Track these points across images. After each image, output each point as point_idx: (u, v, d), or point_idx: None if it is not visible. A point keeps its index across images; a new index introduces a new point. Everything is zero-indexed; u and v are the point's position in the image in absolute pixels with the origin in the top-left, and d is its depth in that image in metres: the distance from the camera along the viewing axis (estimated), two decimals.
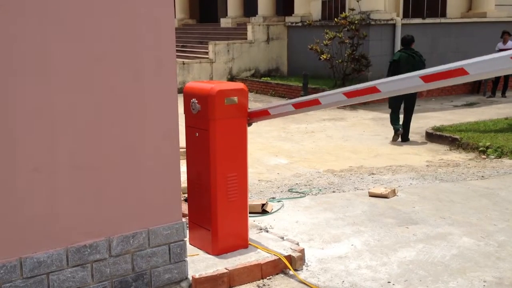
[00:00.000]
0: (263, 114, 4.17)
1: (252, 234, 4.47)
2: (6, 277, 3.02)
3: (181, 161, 3.66)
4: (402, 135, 9.35)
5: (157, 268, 3.56)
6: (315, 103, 3.83)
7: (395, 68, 9.09)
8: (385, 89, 3.41)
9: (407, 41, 9.40)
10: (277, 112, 4.08)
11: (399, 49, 9.92)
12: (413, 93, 8.98)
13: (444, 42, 16.08)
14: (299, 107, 3.97)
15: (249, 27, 18.02)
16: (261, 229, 4.68)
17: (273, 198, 6.01)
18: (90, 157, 3.22)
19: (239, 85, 4.18)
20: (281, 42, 18.16)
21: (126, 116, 3.32)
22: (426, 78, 3.17)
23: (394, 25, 15.15)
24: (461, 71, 3.02)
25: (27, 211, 3.05)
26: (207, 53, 17.78)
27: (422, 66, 8.92)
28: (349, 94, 3.60)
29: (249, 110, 4.16)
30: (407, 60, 9.18)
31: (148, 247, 3.51)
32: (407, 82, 3.31)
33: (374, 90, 3.44)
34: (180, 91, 4.21)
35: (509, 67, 2.92)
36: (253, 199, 5.80)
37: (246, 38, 18.10)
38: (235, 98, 4.03)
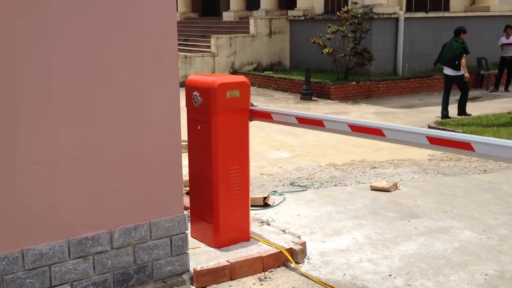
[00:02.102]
0: (265, 116, 4.15)
1: (254, 227, 4.48)
2: (8, 269, 3.03)
3: (183, 154, 3.66)
4: (458, 109, 11.07)
5: (158, 260, 3.57)
6: (318, 124, 3.83)
7: (442, 50, 11.15)
8: (389, 136, 3.40)
9: (456, 31, 11.19)
10: (279, 119, 4.08)
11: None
12: (462, 79, 10.78)
13: (448, 36, 15.93)
14: (302, 122, 3.97)
15: (251, 21, 17.97)
16: (262, 222, 4.68)
17: (275, 191, 6.01)
18: (92, 149, 3.22)
19: (241, 78, 4.17)
20: (283, 36, 18.11)
21: (128, 109, 3.32)
22: (432, 140, 3.17)
23: (397, 19, 15.08)
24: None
25: (28, 203, 3.06)
26: (209, 46, 17.74)
27: (459, 52, 10.66)
28: (353, 128, 3.60)
29: (252, 108, 4.15)
30: (450, 46, 10.92)
31: (149, 240, 3.52)
32: (412, 137, 3.29)
33: (379, 133, 3.43)
34: (182, 84, 4.21)
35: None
36: (255, 192, 5.81)
37: (248, 32, 18.06)
38: (237, 92, 4.02)
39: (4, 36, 2.89)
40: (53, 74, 3.05)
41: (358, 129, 3.56)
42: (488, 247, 4.43)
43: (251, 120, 4.20)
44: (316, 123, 3.85)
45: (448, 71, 10.87)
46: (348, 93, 13.91)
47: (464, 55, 10.73)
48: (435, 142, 3.16)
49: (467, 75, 10.85)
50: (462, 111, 11.05)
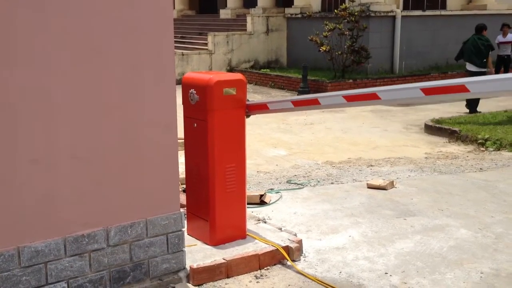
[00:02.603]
0: (262, 108, 4.17)
1: (250, 225, 4.48)
2: (4, 266, 3.03)
3: (179, 151, 3.66)
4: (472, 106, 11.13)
5: (155, 258, 3.57)
6: (314, 103, 3.84)
7: (463, 47, 11.26)
8: (384, 97, 3.41)
9: (477, 28, 11.27)
10: (276, 107, 4.09)
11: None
12: (484, 75, 10.47)
13: (445, 34, 16.04)
14: (298, 105, 3.98)
15: (248, 19, 17.96)
16: (259, 220, 4.68)
17: (272, 189, 6.02)
18: (88, 147, 3.22)
19: (237, 75, 4.17)
20: (280, 33, 18.10)
21: (125, 107, 3.31)
22: (426, 91, 3.17)
23: (394, 17, 15.10)
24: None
25: (25, 201, 3.05)
26: (206, 44, 17.73)
27: (484, 49, 10.85)
28: (349, 98, 3.60)
29: (248, 103, 4.15)
30: (472, 43, 11.04)
31: (146, 237, 3.52)
32: (407, 92, 3.30)
33: (375, 97, 3.43)
34: (179, 82, 4.20)
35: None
36: (252, 190, 5.81)
37: (245, 30, 18.04)
38: (234, 89, 4.02)
39: (2, 34, 2.88)
40: (51, 72, 3.04)
41: (354, 98, 3.57)
42: (484, 245, 4.45)
43: (248, 117, 4.20)
44: (311, 103, 3.87)
45: (472, 67, 11.09)
46: None
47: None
48: (429, 92, 3.15)
49: (492, 71, 11.13)
50: (474, 108, 11.15)
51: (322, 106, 3.81)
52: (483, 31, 11.15)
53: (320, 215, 5.17)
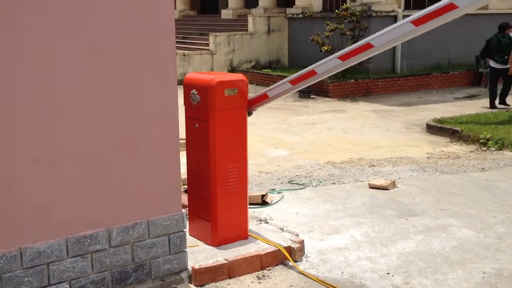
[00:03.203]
0: (262, 99, 4.12)
1: (252, 225, 4.48)
2: (6, 267, 3.03)
3: (181, 152, 3.66)
4: (500, 98, 11.58)
5: (157, 258, 3.57)
6: (311, 75, 3.77)
7: (487, 46, 11.67)
8: (378, 43, 3.37)
9: (500, 27, 11.64)
10: (275, 93, 4.03)
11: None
12: (507, 71, 11.29)
13: (446, 34, 16.01)
14: (296, 82, 3.90)
15: (250, 19, 17.94)
16: (261, 220, 4.68)
17: (273, 189, 6.01)
18: (90, 148, 3.22)
19: (239, 76, 4.17)
20: (282, 33, 18.09)
21: (126, 107, 3.32)
22: (416, 22, 3.20)
23: (395, 17, 15.07)
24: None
25: (26, 202, 3.06)
26: (207, 44, 17.72)
27: (506, 47, 11.19)
28: (344, 57, 3.55)
29: (248, 98, 4.14)
30: (496, 41, 11.39)
31: (148, 238, 3.52)
32: (398, 30, 3.31)
33: (368, 46, 3.41)
34: (180, 82, 4.20)
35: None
36: (253, 191, 5.81)
37: (247, 30, 18.03)
38: (235, 89, 4.02)
39: (2, 33, 2.88)
40: (51, 71, 3.04)
41: (348, 55, 3.53)
42: (486, 245, 4.44)
43: (250, 114, 4.19)
44: (308, 75, 3.80)
45: (495, 64, 11.46)
46: (347, 91, 13.90)
47: None
48: (419, 22, 3.18)
49: None
50: (503, 100, 11.56)
51: (319, 75, 3.74)
52: (506, 29, 11.54)
53: (322, 215, 5.17)
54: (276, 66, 18.01)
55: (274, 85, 4.08)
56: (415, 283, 3.80)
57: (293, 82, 3.92)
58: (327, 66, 3.68)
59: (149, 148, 3.44)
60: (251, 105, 4.15)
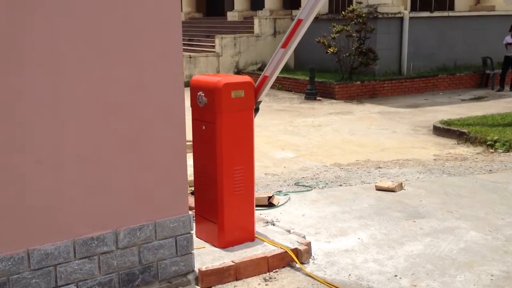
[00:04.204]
0: (263, 82, 4.14)
1: (259, 227, 4.47)
2: (14, 269, 3.04)
3: (187, 154, 3.66)
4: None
5: (163, 260, 3.57)
6: (297, 25, 3.88)
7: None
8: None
9: None
10: (271, 68, 4.09)
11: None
12: None
13: (452, 35, 15.97)
14: (286, 43, 3.98)
15: (255, 21, 17.96)
16: (267, 222, 4.68)
17: (280, 191, 6.01)
18: (96, 149, 3.23)
19: (245, 78, 4.17)
20: None
21: (132, 108, 3.32)
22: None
23: (401, 19, 15.04)
24: None
25: (34, 203, 3.06)
26: (213, 46, 17.74)
27: None
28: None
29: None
30: None
31: (155, 240, 3.52)
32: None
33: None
34: (187, 84, 4.21)
35: None
36: (260, 192, 5.80)
37: (252, 32, 18.04)
38: (242, 91, 4.02)
39: (9, 35, 2.89)
40: (57, 73, 3.05)
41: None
42: (494, 248, 4.42)
43: (257, 110, 4.18)
44: (295, 27, 3.97)
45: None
46: (353, 92, 13.88)
47: None
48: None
49: None
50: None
51: (305, 21, 3.87)
52: None
53: (328, 217, 5.16)
54: (282, 68, 17.99)
55: (268, 63, 4.16)
56: (423, 286, 3.78)
57: (283, 45, 3.98)
58: (308, 4, 3.85)
59: (156, 150, 3.44)
60: (257, 93, 4.14)
